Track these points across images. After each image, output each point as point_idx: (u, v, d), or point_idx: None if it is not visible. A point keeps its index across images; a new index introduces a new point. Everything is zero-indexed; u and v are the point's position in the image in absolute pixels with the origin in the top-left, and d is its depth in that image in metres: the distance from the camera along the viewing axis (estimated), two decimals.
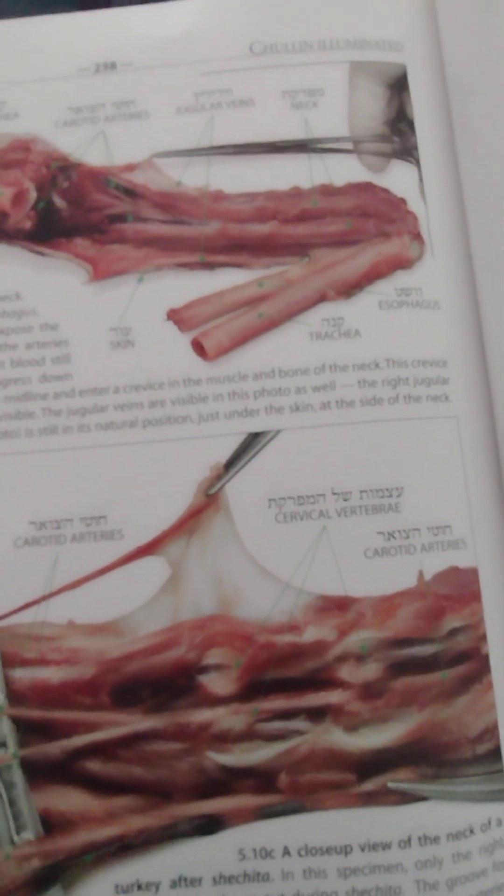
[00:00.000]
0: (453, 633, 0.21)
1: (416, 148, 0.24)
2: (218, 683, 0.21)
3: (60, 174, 0.24)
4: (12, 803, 0.20)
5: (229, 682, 0.21)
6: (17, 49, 0.25)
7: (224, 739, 0.20)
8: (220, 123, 0.24)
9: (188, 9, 0.25)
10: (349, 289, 0.23)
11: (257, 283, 0.23)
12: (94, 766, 0.20)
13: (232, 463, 0.22)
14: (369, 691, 0.21)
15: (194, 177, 0.24)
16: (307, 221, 0.24)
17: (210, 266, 0.23)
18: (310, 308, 0.23)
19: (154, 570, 0.21)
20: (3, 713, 0.21)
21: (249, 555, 0.21)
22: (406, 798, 0.20)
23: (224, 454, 0.22)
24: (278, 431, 0.22)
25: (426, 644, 0.21)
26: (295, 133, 0.24)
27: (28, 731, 0.21)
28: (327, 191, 0.24)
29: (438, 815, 0.20)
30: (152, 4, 0.26)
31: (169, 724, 0.21)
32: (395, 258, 0.23)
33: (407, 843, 0.20)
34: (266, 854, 0.20)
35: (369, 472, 0.22)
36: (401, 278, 0.23)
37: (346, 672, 0.21)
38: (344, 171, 0.24)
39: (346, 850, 0.20)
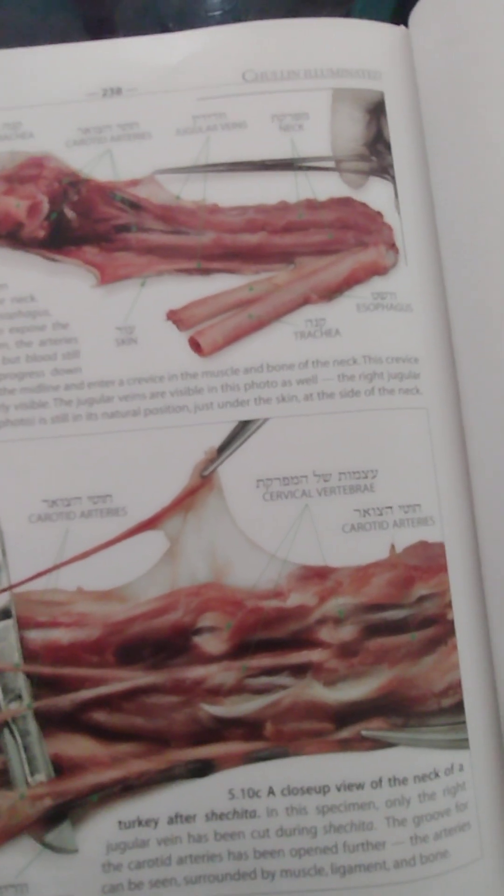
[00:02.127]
0: (421, 600, 0.23)
1: (391, 166, 0.26)
2: (211, 643, 0.23)
3: (71, 188, 0.26)
4: (27, 749, 0.22)
5: (221, 643, 0.23)
6: (32, 75, 0.27)
7: (216, 693, 0.22)
8: (215, 143, 0.26)
9: (187, 40, 0.27)
10: (330, 293, 0.25)
11: (248, 287, 0.25)
12: (99, 716, 0.22)
13: (224, 448, 0.24)
14: (346, 650, 0.23)
15: (192, 192, 0.26)
16: (293, 232, 0.26)
17: (206, 272, 0.25)
18: (295, 310, 0.25)
19: (154, 543, 0.23)
20: (19, 670, 0.23)
21: (240, 529, 0.23)
22: (378, 744, 0.22)
23: (217, 440, 0.24)
24: (266, 420, 0.24)
25: (397, 609, 0.23)
26: (283, 153, 0.26)
27: (41, 685, 0.23)
28: (311, 205, 0.26)
29: (406, 759, 0.22)
30: (154, 35, 0.28)
31: (167, 679, 0.23)
32: (371, 265, 0.25)
33: (378, 783, 0.22)
34: (253, 794, 0.22)
35: (347, 456, 0.24)
36: (377, 284, 0.25)
37: (325, 633, 0.23)
38: (326, 187, 0.26)
39: (324, 790, 0.22)
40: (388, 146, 0.27)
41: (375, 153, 0.26)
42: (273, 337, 0.25)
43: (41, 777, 0.22)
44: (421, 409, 0.25)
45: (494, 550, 0.24)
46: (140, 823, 0.22)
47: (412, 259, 0.26)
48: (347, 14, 0.34)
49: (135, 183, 0.26)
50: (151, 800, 0.22)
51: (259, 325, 0.25)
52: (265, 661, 0.23)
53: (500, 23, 0.26)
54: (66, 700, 0.22)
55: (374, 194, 0.26)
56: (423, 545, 0.24)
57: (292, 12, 0.35)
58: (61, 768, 0.22)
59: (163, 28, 0.35)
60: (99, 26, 0.35)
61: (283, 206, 0.26)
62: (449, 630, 0.23)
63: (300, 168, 0.26)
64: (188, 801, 0.22)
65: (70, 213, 0.26)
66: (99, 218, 0.26)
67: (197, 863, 0.22)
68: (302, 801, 0.22)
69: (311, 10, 0.35)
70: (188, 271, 0.25)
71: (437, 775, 0.22)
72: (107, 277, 0.25)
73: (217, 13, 0.35)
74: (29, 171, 0.26)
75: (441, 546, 0.24)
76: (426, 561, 0.24)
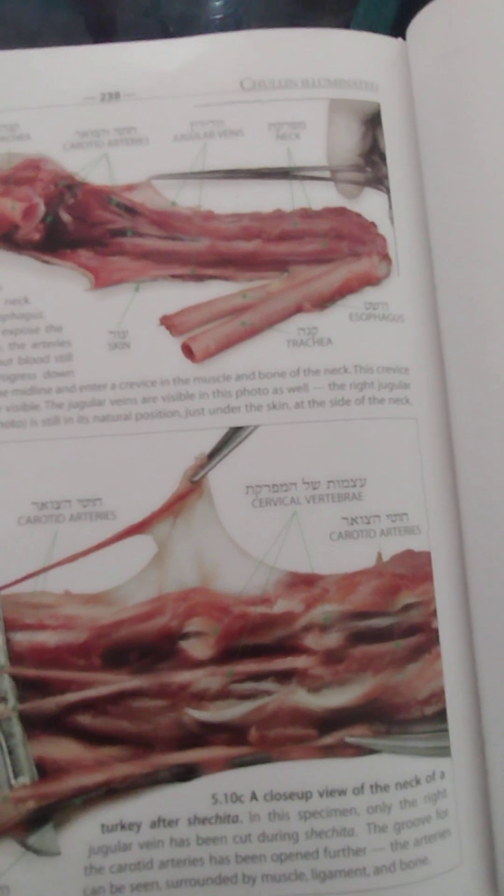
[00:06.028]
0: (407, 608, 0.23)
1: (386, 177, 0.27)
2: (197, 648, 0.23)
3: (67, 192, 0.26)
4: (11, 751, 0.22)
5: (207, 648, 0.23)
6: (31, 77, 0.27)
7: (201, 698, 0.23)
8: (212, 150, 0.26)
9: (186, 46, 0.27)
10: (323, 302, 0.25)
11: (241, 295, 0.25)
12: (85, 719, 0.22)
13: (214, 453, 0.24)
14: (331, 657, 0.23)
15: (188, 198, 0.26)
16: (287, 241, 0.26)
17: (200, 278, 0.25)
18: (288, 318, 0.25)
19: (143, 547, 0.23)
20: (5, 671, 0.23)
21: (228, 535, 0.23)
22: (360, 751, 0.22)
23: (208, 446, 0.24)
24: (256, 427, 0.24)
25: (382, 617, 0.23)
26: (279, 161, 0.26)
27: (26, 687, 0.23)
28: (306, 214, 0.26)
29: (389, 766, 0.22)
30: (153, 41, 0.28)
31: (153, 683, 0.23)
32: (364, 275, 0.26)
33: (360, 790, 0.22)
34: (236, 798, 0.22)
35: (336, 464, 0.24)
36: (369, 294, 0.25)
37: (311, 640, 0.23)
38: (322, 196, 0.26)
39: (306, 796, 0.22)
40: (383, 157, 0.27)
41: (371, 164, 0.27)
42: (265, 344, 0.25)
43: (25, 779, 0.22)
44: (410, 419, 0.25)
45: (480, 560, 0.24)
46: (123, 827, 0.22)
47: (405, 270, 0.26)
48: (348, 22, 0.34)
49: (131, 188, 0.26)
50: (134, 804, 0.22)
51: (252, 332, 0.25)
52: (251, 666, 0.23)
53: (496, 37, 0.26)
54: (51, 703, 0.23)
55: (369, 205, 0.26)
56: (410, 554, 0.24)
57: (293, 18, 0.36)
58: (45, 771, 0.22)
59: (164, 31, 0.35)
60: (100, 26, 0.35)
61: (278, 215, 0.26)
62: (433, 638, 0.23)
63: (296, 177, 0.26)
64: (171, 805, 0.22)
65: (65, 217, 0.26)
66: (94, 222, 0.26)
67: (179, 867, 0.22)
68: (284, 806, 0.22)
69: (312, 17, 0.35)
70: (182, 277, 0.25)
71: (418, 782, 0.22)
72: (101, 281, 0.25)
73: (218, 17, 0.35)
74: (25, 174, 0.26)
75: (427, 555, 0.24)
76: (412, 570, 0.24)
